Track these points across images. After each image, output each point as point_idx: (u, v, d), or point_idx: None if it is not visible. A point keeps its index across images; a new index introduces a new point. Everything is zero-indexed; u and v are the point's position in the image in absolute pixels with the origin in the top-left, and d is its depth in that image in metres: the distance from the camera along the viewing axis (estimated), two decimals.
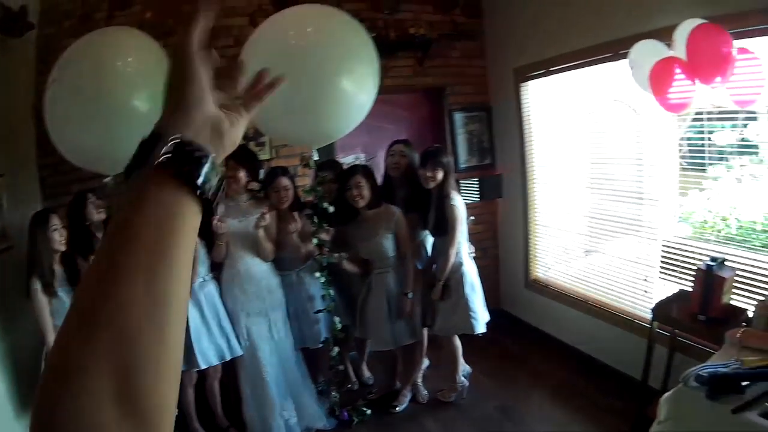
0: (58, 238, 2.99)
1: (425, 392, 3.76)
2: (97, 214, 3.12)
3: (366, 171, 3.44)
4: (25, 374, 3.14)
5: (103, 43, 2.79)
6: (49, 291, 2.94)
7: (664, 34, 2.68)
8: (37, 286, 2.91)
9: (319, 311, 3.43)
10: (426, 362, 3.89)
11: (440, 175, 3.30)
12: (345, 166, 3.70)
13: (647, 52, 2.70)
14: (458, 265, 3.38)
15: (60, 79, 2.64)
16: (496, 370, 4.01)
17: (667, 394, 2.29)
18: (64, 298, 3.02)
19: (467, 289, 3.38)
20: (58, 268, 3.04)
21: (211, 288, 3.35)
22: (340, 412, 3.55)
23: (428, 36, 4.43)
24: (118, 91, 2.63)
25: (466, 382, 3.68)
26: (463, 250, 3.42)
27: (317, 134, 3.07)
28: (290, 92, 2.73)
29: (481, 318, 3.43)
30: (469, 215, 3.46)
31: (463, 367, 3.68)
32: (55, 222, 2.99)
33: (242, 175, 3.34)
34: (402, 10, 4.44)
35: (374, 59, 3.00)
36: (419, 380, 3.81)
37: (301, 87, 2.74)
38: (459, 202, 3.33)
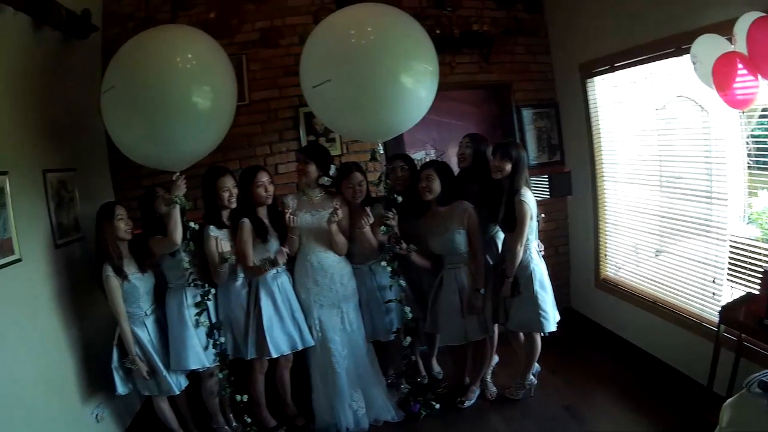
0: (124, 227, 3.14)
1: (494, 389, 3.74)
2: (165, 207, 3.21)
3: (439, 166, 3.45)
4: (93, 361, 3.30)
5: (161, 39, 2.88)
6: (121, 275, 3.09)
7: (725, 28, 2.60)
8: (109, 272, 3.06)
9: (390, 301, 3.46)
10: (495, 359, 3.86)
11: (508, 167, 3.26)
12: (416, 161, 3.72)
13: (709, 46, 2.63)
14: (527, 263, 3.33)
15: (118, 83, 2.74)
16: (563, 369, 3.95)
17: (729, 400, 2.24)
18: (136, 282, 3.17)
19: (537, 287, 3.32)
20: (126, 254, 3.19)
21: (285, 279, 3.42)
22: (412, 403, 3.55)
23: (492, 32, 4.43)
24: (177, 87, 2.75)
25: (535, 381, 3.64)
26: (532, 247, 3.37)
27: (380, 128, 3.16)
28: (351, 89, 2.84)
29: (551, 317, 3.36)
30: (540, 213, 3.41)
31: (534, 366, 3.64)
32: (120, 212, 3.15)
33: (312, 169, 3.41)
34: (464, 7, 4.45)
35: (432, 56, 3.06)
36: (488, 377, 3.79)
37: (362, 84, 2.85)
38: (529, 198, 3.27)
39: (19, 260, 2.72)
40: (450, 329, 3.47)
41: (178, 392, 3.30)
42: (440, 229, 3.39)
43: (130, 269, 3.17)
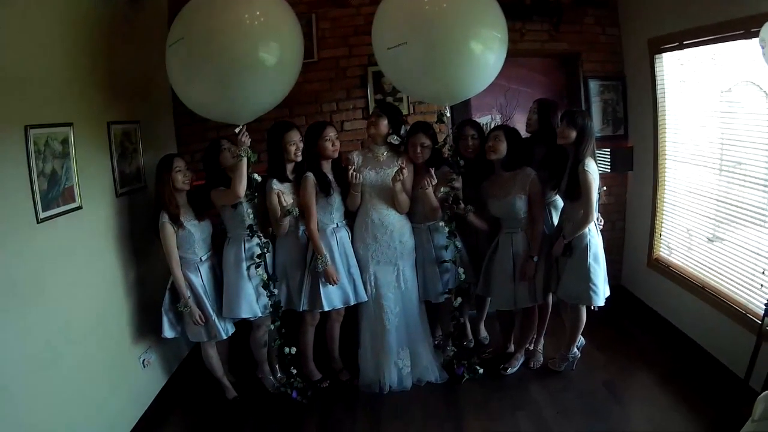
0: (181, 179, 3.23)
1: (541, 359, 3.77)
2: (231, 159, 3.29)
3: (508, 130, 3.43)
4: (147, 305, 3.44)
5: None
6: (177, 223, 3.19)
7: None
8: (165, 219, 3.17)
9: (445, 261, 3.49)
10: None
11: (573, 134, 3.19)
12: (483, 126, 3.70)
13: None
14: (585, 234, 3.29)
15: (185, 34, 2.77)
16: (607, 346, 3.95)
17: (764, 393, 2.24)
18: (192, 230, 3.27)
19: (590, 260, 3.29)
20: (183, 204, 3.29)
21: (344, 234, 3.48)
22: (456, 366, 3.61)
23: (563, 1, 4.34)
24: (244, 44, 2.77)
25: (579, 354, 3.65)
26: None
27: (450, 93, 3.18)
28: (425, 53, 2.85)
29: (601, 291, 3.35)
30: (601, 185, 3.37)
31: (579, 339, 3.65)
32: (179, 164, 3.23)
33: (384, 123, 3.42)
34: None
35: (501, 23, 3.03)
36: (540, 346, 3.81)
37: (436, 48, 2.87)
38: (593, 169, 3.22)
39: (79, 208, 2.84)
40: (501, 294, 3.50)
41: (225, 338, 3.41)
42: (502, 193, 3.39)
43: (187, 217, 3.27)
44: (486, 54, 3.00)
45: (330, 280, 3.33)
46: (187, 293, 3.24)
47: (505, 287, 3.46)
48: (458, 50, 2.90)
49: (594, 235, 3.33)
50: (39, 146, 2.52)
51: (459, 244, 3.48)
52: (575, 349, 3.64)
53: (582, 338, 3.65)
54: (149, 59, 3.64)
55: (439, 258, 3.51)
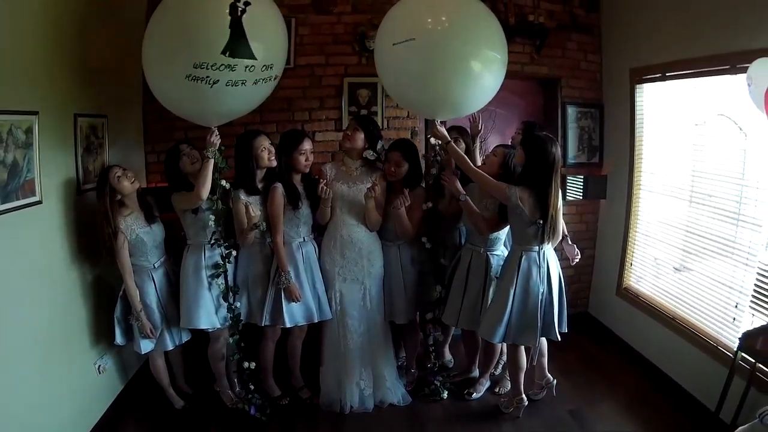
0: (127, 184, 3.08)
1: (508, 385, 3.65)
2: (191, 165, 3.21)
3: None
4: (103, 309, 3.31)
5: None
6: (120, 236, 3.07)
7: None
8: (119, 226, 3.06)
9: (424, 273, 3.47)
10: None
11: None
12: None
13: (766, 69, 2.55)
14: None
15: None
16: (574, 373, 3.93)
17: (742, 428, 2.26)
18: (144, 237, 3.15)
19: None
20: (133, 208, 3.17)
21: (310, 249, 3.39)
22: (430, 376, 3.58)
23: (546, 25, 4.32)
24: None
25: (552, 379, 3.54)
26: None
27: (444, 106, 3.13)
28: (431, 55, 2.81)
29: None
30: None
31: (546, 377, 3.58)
32: (117, 172, 3.08)
33: (360, 137, 3.34)
34: None
35: (503, 47, 2.99)
36: (506, 373, 3.69)
37: (443, 53, 2.84)
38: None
39: (39, 202, 2.71)
40: (449, 309, 3.44)
41: (171, 348, 3.32)
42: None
43: (138, 223, 3.15)
44: (488, 74, 3.01)
45: (292, 298, 3.23)
46: (139, 306, 3.12)
47: (455, 304, 3.41)
48: (458, 64, 2.91)
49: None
50: (2, 134, 2.39)
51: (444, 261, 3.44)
52: (548, 375, 3.56)
53: (550, 376, 3.58)
54: (123, 51, 3.52)
55: (409, 278, 3.45)
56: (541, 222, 2.99)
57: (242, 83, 2.70)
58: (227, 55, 2.59)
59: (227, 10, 2.58)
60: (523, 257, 3.07)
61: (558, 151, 3.03)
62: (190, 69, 2.60)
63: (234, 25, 2.58)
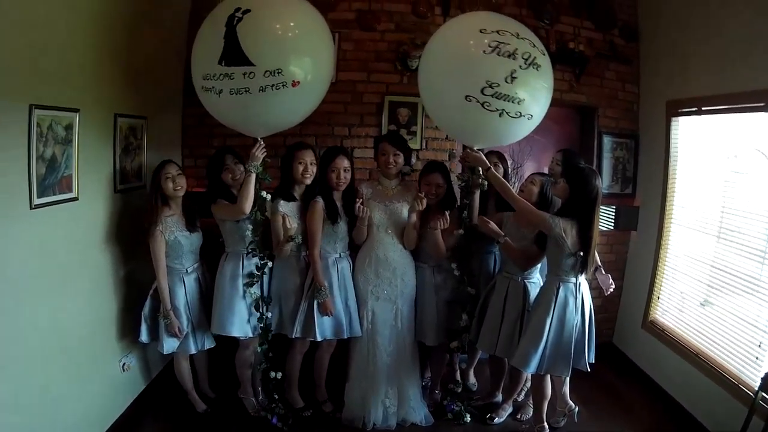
0: (171, 186, 3.15)
1: (530, 411, 3.63)
2: (232, 180, 3.26)
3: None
4: (133, 306, 3.35)
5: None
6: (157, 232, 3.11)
7: None
8: (157, 227, 3.11)
9: (452, 302, 3.45)
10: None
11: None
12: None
13: None
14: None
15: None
16: (594, 404, 3.90)
17: None
18: (182, 240, 3.20)
19: None
20: (176, 212, 3.23)
21: (345, 265, 3.41)
22: (449, 401, 3.56)
23: (586, 53, 4.35)
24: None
25: (575, 406, 3.53)
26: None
27: (488, 137, 3.14)
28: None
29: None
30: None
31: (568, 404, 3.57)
32: (170, 171, 3.15)
33: (401, 161, 3.38)
34: (562, 22, 4.38)
35: (549, 75, 3.00)
36: (530, 399, 3.64)
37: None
38: None
39: (75, 199, 2.75)
40: (485, 336, 3.42)
41: (194, 352, 3.35)
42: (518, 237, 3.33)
43: (178, 227, 3.19)
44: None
45: (326, 312, 3.24)
46: (170, 305, 3.16)
47: (492, 332, 3.38)
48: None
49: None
50: (42, 128, 2.44)
51: (471, 290, 3.43)
52: (570, 402, 3.55)
53: (572, 403, 3.57)
54: (166, 54, 3.57)
55: (440, 300, 3.45)
56: (582, 254, 2.98)
57: (246, 91, 2.68)
58: (222, 64, 2.65)
59: (225, 22, 2.66)
60: (561, 287, 3.05)
61: (601, 183, 3.03)
62: (201, 81, 2.76)
63: (228, 35, 2.64)
